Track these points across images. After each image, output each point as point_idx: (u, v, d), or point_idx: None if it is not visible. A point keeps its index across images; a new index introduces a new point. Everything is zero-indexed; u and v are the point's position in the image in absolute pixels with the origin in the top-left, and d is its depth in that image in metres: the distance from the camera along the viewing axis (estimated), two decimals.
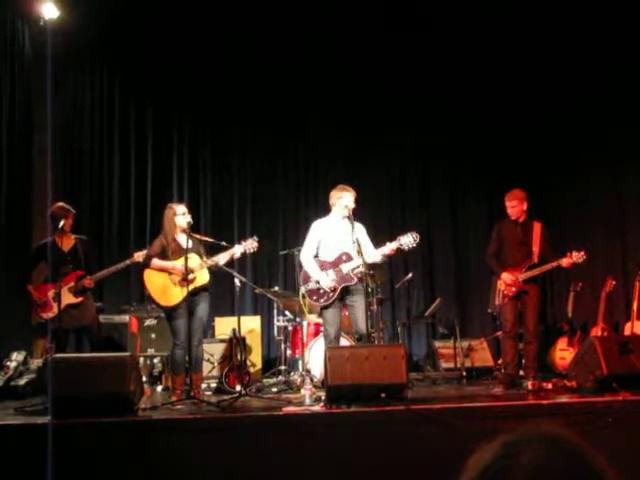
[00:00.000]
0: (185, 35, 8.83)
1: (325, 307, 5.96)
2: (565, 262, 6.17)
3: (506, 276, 6.26)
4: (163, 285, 6.04)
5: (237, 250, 5.99)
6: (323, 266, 5.99)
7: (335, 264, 5.93)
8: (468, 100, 9.17)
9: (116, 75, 9.22)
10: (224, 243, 6.16)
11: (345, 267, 5.88)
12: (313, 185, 9.58)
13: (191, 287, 5.87)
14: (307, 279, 6.05)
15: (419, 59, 9.08)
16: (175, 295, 5.99)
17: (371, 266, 5.97)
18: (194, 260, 5.88)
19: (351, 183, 6.27)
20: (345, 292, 5.91)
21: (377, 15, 8.72)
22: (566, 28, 8.21)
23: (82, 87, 9.09)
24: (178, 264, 5.98)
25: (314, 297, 6.02)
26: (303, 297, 6.35)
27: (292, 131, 9.50)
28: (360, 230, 6.08)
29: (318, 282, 5.95)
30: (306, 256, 6.15)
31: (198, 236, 6.25)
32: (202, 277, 5.94)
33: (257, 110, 9.28)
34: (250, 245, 5.99)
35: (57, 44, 8.20)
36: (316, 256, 6.14)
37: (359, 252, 5.70)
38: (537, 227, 6.40)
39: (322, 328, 7.23)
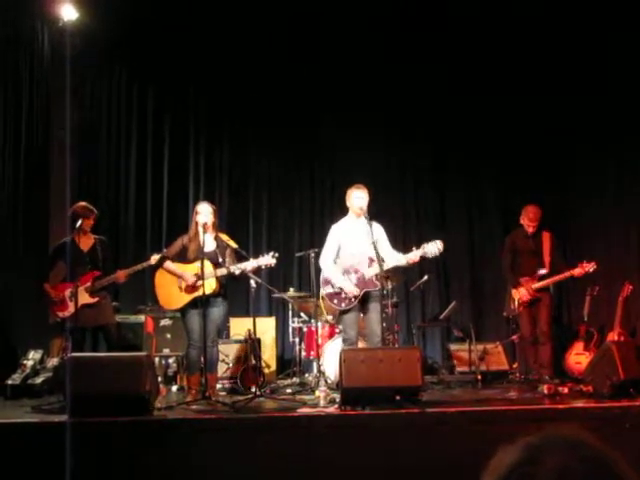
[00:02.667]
0: (204, 34, 8.85)
1: (344, 312, 5.94)
2: (577, 272, 6.52)
3: (523, 292, 6.59)
4: (170, 288, 6.07)
5: (249, 265, 5.89)
6: (345, 270, 5.94)
7: (357, 269, 5.88)
8: (483, 110, 9.16)
9: (134, 75, 9.27)
10: (244, 253, 6.15)
11: (368, 272, 5.82)
12: (329, 186, 9.57)
13: (195, 294, 5.89)
14: (327, 282, 6.01)
15: (436, 71, 9.09)
16: (177, 300, 6.02)
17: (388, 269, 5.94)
18: (206, 267, 5.77)
19: (367, 185, 6.24)
20: (366, 295, 5.87)
21: (390, 23, 8.73)
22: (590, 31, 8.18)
23: (100, 87, 9.14)
24: (186, 273, 6.00)
25: (334, 300, 5.96)
26: (322, 299, 6.34)
27: (309, 133, 9.49)
28: (378, 231, 6.02)
29: (341, 289, 5.87)
30: (326, 261, 6.07)
31: (225, 237, 6.20)
32: (208, 285, 5.80)
33: (274, 111, 9.29)
34: (266, 261, 5.87)
35: (76, 45, 8.28)
36: (338, 259, 6.11)
37: (377, 256, 5.66)
38: (547, 237, 6.75)
39: (337, 330, 7.27)
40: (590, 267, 6.42)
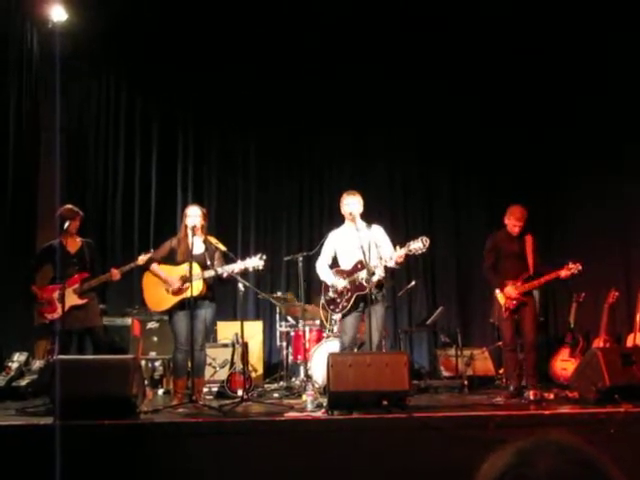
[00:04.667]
0: (192, 37, 8.85)
1: (344, 315, 5.96)
2: (563, 273, 6.26)
3: (510, 290, 6.31)
4: (157, 290, 6.06)
5: (237, 267, 5.90)
6: (341, 275, 5.98)
7: (351, 273, 5.91)
8: (471, 114, 9.22)
9: (123, 77, 9.26)
10: (232, 256, 6.15)
11: (359, 276, 5.84)
12: (318, 191, 9.60)
13: (183, 296, 5.88)
14: (326, 289, 6.07)
15: (424, 73, 9.14)
16: (164, 302, 6.01)
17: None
18: (193, 269, 5.76)
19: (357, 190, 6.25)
20: (363, 301, 5.87)
21: (380, 22, 8.75)
22: (567, 35, 8.24)
23: (89, 89, 9.12)
24: (171, 277, 5.99)
25: (331, 307, 6.05)
26: (323, 308, 6.35)
27: (297, 137, 9.52)
28: (378, 233, 6.07)
29: (334, 286, 5.94)
30: (318, 264, 6.17)
31: (213, 240, 6.21)
32: (195, 287, 5.81)
33: (262, 114, 9.33)
34: (254, 263, 5.88)
35: (65, 46, 8.24)
36: (337, 266, 6.13)
37: (365, 260, 5.68)
38: (529, 240, 6.50)
39: (325, 334, 7.30)
40: (575, 268, 6.21)
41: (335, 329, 7.20)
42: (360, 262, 5.84)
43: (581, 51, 8.27)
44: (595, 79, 8.25)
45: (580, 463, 0.96)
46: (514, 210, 6.51)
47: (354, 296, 5.85)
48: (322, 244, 6.25)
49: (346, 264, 6.05)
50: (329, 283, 6.02)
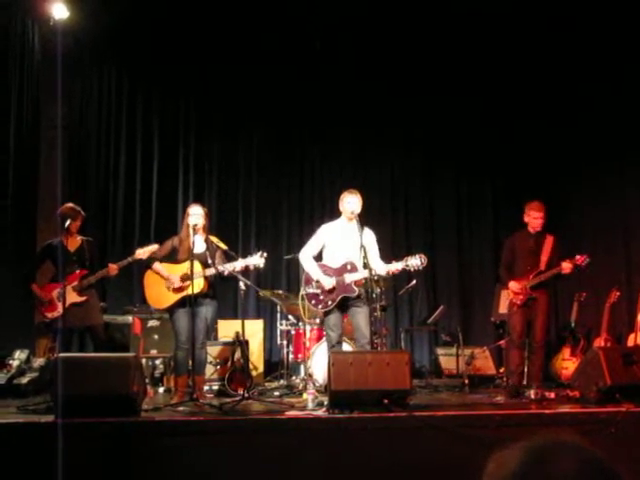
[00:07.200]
0: (194, 34, 8.83)
1: (326, 313, 5.93)
2: (565, 266, 6.19)
3: (513, 285, 6.32)
4: (158, 287, 6.07)
5: (238, 264, 5.89)
6: (326, 272, 5.91)
7: (339, 272, 5.84)
8: (474, 116, 9.24)
9: (124, 74, 9.23)
10: (233, 254, 6.14)
11: (348, 277, 5.79)
12: (319, 190, 9.59)
13: (184, 293, 5.89)
14: (309, 281, 5.98)
15: (422, 79, 9.17)
16: (166, 299, 6.02)
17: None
18: (195, 267, 5.78)
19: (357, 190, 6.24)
20: (346, 299, 5.85)
21: (379, 28, 8.76)
22: (576, 39, 8.23)
23: (90, 87, 9.10)
24: (173, 275, 6.00)
25: (313, 301, 5.95)
26: (302, 299, 6.29)
27: (299, 137, 9.53)
28: (369, 236, 6.01)
29: (318, 281, 5.87)
30: (305, 254, 6.07)
31: (214, 239, 6.20)
32: (197, 285, 5.82)
33: (264, 113, 9.32)
34: (255, 261, 5.87)
35: (66, 44, 8.24)
36: (321, 260, 6.10)
37: (365, 262, 5.66)
38: (550, 239, 6.47)
39: (324, 332, 7.26)
40: (582, 260, 6.17)
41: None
42: (350, 263, 5.81)
43: (583, 52, 8.26)
44: (597, 79, 8.23)
45: (596, 465, 0.95)
46: (532, 204, 6.48)
47: (340, 297, 5.81)
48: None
49: (332, 260, 5.98)
50: (314, 278, 5.93)
